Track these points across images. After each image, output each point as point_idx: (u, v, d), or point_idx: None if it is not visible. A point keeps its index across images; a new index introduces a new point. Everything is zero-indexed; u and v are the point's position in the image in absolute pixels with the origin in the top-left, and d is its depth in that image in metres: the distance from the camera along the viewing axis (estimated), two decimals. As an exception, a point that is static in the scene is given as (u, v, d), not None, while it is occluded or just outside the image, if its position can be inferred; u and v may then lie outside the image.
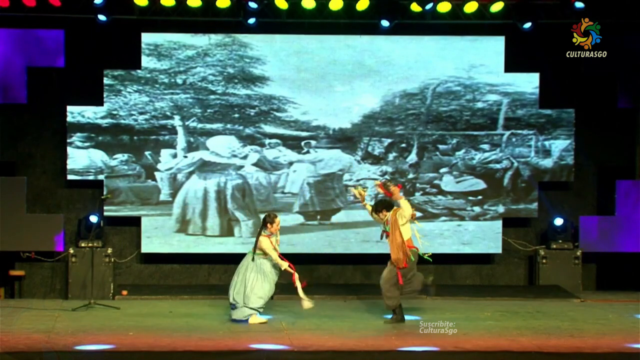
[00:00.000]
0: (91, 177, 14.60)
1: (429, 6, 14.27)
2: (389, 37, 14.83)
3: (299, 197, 14.86)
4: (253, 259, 11.93)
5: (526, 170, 15.04)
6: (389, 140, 14.96)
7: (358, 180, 14.86)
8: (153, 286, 14.77)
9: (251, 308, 11.85)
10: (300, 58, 14.83)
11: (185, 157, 14.73)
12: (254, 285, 11.86)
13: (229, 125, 14.78)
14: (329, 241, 14.81)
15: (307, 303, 11.87)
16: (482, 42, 14.93)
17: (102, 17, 14.10)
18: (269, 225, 11.93)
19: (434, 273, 12.65)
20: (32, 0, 13.93)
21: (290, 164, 14.85)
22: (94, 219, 14.03)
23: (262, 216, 12.37)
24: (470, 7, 14.48)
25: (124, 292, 14.06)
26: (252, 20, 14.38)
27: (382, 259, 14.87)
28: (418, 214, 14.79)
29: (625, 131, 15.31)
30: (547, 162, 15.04)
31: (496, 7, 14.49)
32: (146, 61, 14.60)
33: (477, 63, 14.92)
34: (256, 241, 11.93)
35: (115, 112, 14.60)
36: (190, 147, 14.73)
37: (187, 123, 14.71)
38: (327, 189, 14.86)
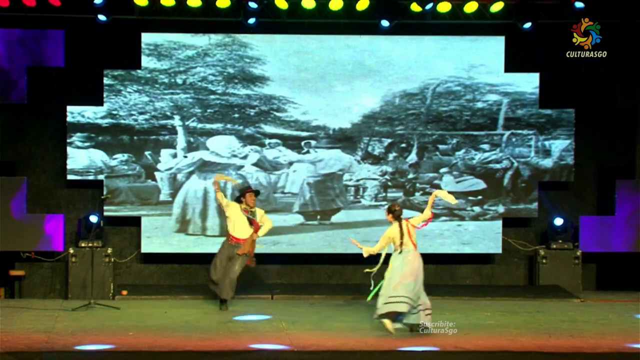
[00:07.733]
0: (91, 177, 14.60)
1: (429, 6, 14.27)
2: (389, 37, 14.83)
3: (299, 197, 14.85)
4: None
5: (526, 170, 15.03)
6: (389, 140, 14.95)
7: (358, 180, 14.88)
8: (153, 286, 14.77)
9: None
10: (300, 58, 14.82)
11: (185, 157, 14.72)
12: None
13: (229, 125, 14.78)
14: (329, 241, 14.80)
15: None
16: (482, 42, 14.92)
17: (102, 17, 14.10)
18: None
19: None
20: (32, 0, 13.92)
21: (290, 164, 14.84)
22: (94, 219, 14.03)
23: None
24: (470, 7, 14.48)
25: (124, 292, 14.05)
26: (252, 20, 14.38)
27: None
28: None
29: (625, 131, 15.30)
30: (547, 162, 15.03)
31: (496, 7, 14.49)
32: (146, 61, 14.60)
33: (477, 63, 14.92)
34: None
35: (115, 112, 14.60)
36: (190, 147, 14.73)
37: (187, 123, 14.71)
38: (327, 189, 14.86)
